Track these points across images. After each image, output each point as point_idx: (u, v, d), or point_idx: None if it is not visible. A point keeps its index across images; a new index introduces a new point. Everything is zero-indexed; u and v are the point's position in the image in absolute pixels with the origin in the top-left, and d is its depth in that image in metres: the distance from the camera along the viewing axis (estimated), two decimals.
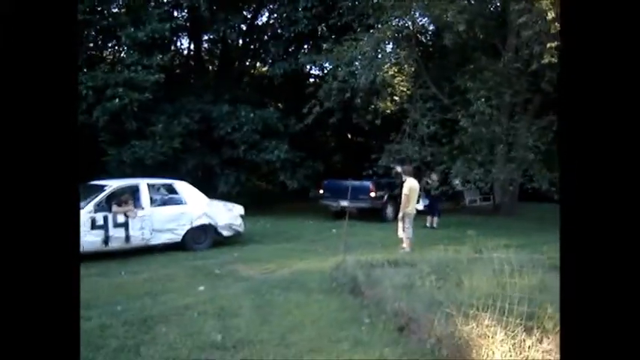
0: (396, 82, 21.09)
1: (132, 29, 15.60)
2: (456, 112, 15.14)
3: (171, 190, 11.07)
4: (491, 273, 5.39)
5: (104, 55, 19.38)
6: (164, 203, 10.73)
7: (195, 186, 11.36)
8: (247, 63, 21.88)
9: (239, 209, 11.36)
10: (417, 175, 15.26)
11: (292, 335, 5.05)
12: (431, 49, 19.63)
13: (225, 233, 10.96)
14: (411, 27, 16.78)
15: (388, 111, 21.36)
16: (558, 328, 4.22)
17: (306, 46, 19.20)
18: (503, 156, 14.27)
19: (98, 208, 9.46)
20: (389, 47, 17.10)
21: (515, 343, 4.27)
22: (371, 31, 15.91)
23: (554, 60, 12.19)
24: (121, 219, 9.63)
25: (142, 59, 15.44)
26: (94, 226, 9.25)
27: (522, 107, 16.31)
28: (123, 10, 17.86)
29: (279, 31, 17.95)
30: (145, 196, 10.11)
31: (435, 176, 14.58)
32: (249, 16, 20.10)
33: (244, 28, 20.22)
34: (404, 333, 4.96)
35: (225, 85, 18.65)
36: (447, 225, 14.08)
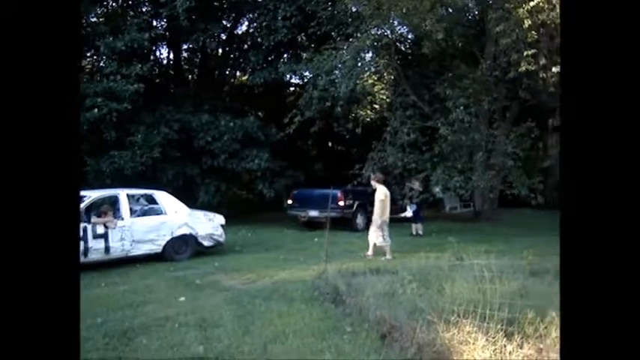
0: (375, 90, 21.22)
1: (111, 39, 15.52)
2: (435, 119, 15.25)
3: (151, 200, 11.00)
4: (472, 279, 5.44)
5: (83, 64, 19.24)
6: (144, 214, 10.65)
7: (175, 196, 11.29)
8: (227, 72, 21.86)
9: (220, 219, 11.31)
10: (401, 182, 15.36)
11: (274, 346, 5.02)
12: (410, 58, 19.77)
13: (206, 243, 10.90)
14: (389, 36, 16.88)
15: (368, 119, 21.49)
16: (539, 333, 4.26)
17: (286, 55, 19.25)
18: (482, 163, 14.39)
19: None
20: (368, 56, 17.22)
21: (496, 349, 4.30)
22: (350, 40, 16.01)
23: (531, 68, 12.38)
24: (100, 230, 9.54)
25: (120, 69, 15.35)
26: None
27: (501, 114, 16.49)
28: (102, 20, 17.78)
29: (258, 40, 17.96)
30: (124, 206, 10.03)
31: (417, 183, 14.63)
32: (228, 26, 20.11)
33: (224, 38, 20.24)
34: (386, 341, 4.96)
35: (205, 95, 18.60)
36: (428, 232, 14.16)
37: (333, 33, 16.46)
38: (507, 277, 5.34)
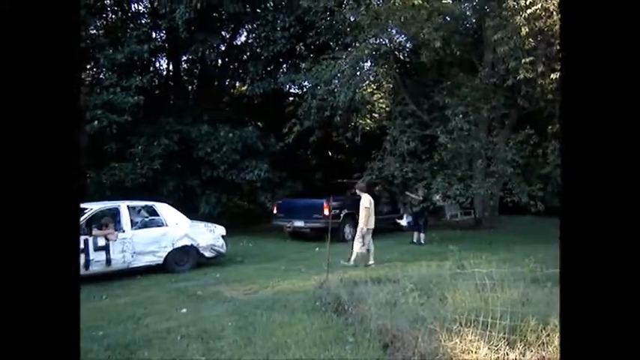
0: (374, 99, 21.29)
1: (110, 51, 15.58)
2: (434, 128, 15.28)
3: (151, 212, 11.00)
4: (474, 288, 5.43)
5: (82, 77, 19.30)
6: (145, 225, 10.65)
7: (176, 207, 11.31)
8: (226, 83, 21.90)
9: (220, 230, 11.31)
10: (404, 191, 15.32)
11: (276, 356, 5.02)
12: (408, 66, 19.84)
13: (207, 254, 10.90)
14: (388, 45, 16.95)
15: (368, 128, 21.55)
16: (541, 340, 4.26)
17: (284, 66, 19.30)
18: (482, 171, 14.41)
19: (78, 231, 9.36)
20: (367, 65, 17.27)
21: (498, 357, 4.30)
22: (349, 49, 16.08)
23: (529, 75, 12.42)
24: (101, 242, 9.54)
25: (120, 81, 15.40)
26: None
27: (500, 122, 16.52)
28: (101, 32, 17.86)
29: (257, 50, 18.01)
30: (125, 218, 10.04)
31: (420, 192, 14.62)
32: (227, 37, 20.19)
33: (223, 49, 20.29)
34: (388, 351, 4.95)
35: (204, 106, 18.64)
36: (429, 240, 14.14)
37: (331, 43, 16.54)
38: (509, 285, 5.34)
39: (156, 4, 17.72)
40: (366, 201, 10.63)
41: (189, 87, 22.82)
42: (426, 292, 6.20)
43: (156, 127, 16.64)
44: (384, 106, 21.91)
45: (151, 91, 18.50)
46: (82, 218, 9.51)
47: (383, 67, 16.76)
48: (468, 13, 17.22)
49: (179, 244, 10.47)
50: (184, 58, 20.96)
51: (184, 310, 7.12)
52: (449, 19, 15.96)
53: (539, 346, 4.27)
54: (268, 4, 17.78)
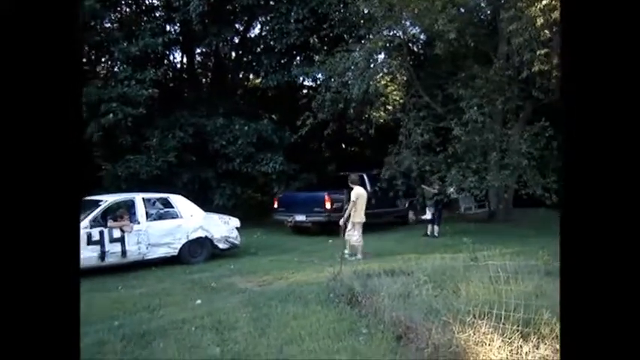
0: (388, 91, 21.21)
1: (125, 44, 15.68)
2: (449, 120, 15.19)
3: (166, 204, 11.08)
4: (487, 280, 5.42)
5: (97, 70, 19.44)
6: (160, 217, 10.73)
7: (190, 199, 11.38)
8: (240, 75, 21.95)
9: (235, 222, 11.36)
10: (421, 183, 15.27)
11: (290, 347, 5.04)
12: (422, 58, 19.73)
13: (222, 246, 10.96)
14: (402, 37, 16.85)
15: (382, 120, 21.47)
16: (555, 333, 4.25)
17: (298, 58, 19.29)
18: (496, 163, 14.31)
19: (94, 223, 9.46)
20: (381, 57, 17.17)
21: (512, 350, 4.29)
22: (362, 41, 16.03)
23: (544, 67, 12.30)
24: (117, 234, 9.63)
25: (135, 74, 15.49)
26: (90, 241, 9.24)
27: (514, 114, 16.41)
28: (116, 25, 17.97)
29: (271, 43, 18.01)
30: (140, 210, 10.12)
31: (436, 185, 14.57)
32: (241, 29, 20.21)
33: (237, 41, 20.33)
34: (402, 342, 4.96)
35: (218, 98, 18.70)
36: (443, 233, 14.12)
37: (345, 35, 16.48)
38: (523, 278, 5.31)
39: None
40: (355, 194, 10.64)
41: (204, 80, 22.90)
42: (439, 284, 6.20)
43: (170, 119, 16.73)
44: (397, 98, 21.82)
45: (166, 83, 18.61)
46: (97, 210, 9.61)
47: (397, 59, 16.68)
48: (482, 4, 17.06)
49: (193, 236, 10.54)
50: (198, 50, 21.06)
51: (199, 302, 7.17)
52: (463, 10, 15.82)
53: (553, 338, 4.25)
54: None
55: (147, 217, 10.23)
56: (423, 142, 15.27)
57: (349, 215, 10.60)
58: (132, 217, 10.09)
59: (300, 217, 14.75)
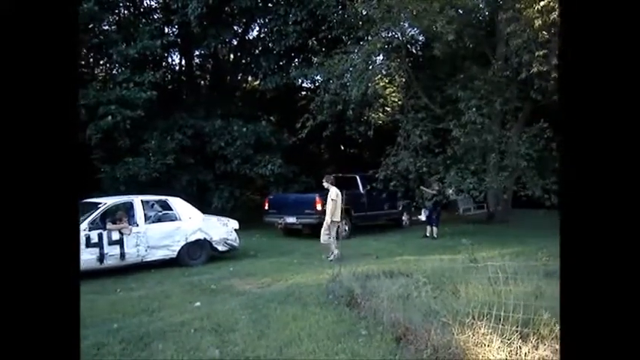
0: (387, 93, 21.23)
1: (123, 46, 15.68)
2: (447, 121, 15.21)
3: (165, 206, 11.06)
4: (487, 281, 5.43)
5: (95, 72, 19.44)
6: (159, 220, 10.71)
7: (189, 201, 11.36)
8: (239, 77, 21.95)
9: (233, 224, 11.35)
10: (419, 184, 15.27)
11: (290, 349, 5.04)
12: (421, 60, 19.73)
13: (221, 248, 10.95)
14: (400, 38, 16.86)
15: (380, 122, 21.47)
16: (554, 334, 4.25)
17: (297, 60, 19.32)
18: (495, 164, 14.34)
19: (93, 225, 9.43)
20: (379, 59, 17.21)
21: (511, 351, 4.29)
22: (361, 43, 16.04)
23: (543, 68, 12.31)
24: (115, 236, 9.61)
25: (133, 76, 15.50)
26: (88, 244, 9.21)
27: (513, 115, 16.41)
28: (114, 28, 17.95)
29: (269, 45, 18.04)
30: (139, 212, 10.10)
31: (435, 186, 14.57)
32: (239, 31, 20.23)
33: (235, 43, 20.36)
34: (401, 344, 4.96)
35: (217, 100, 18.72)
36: (442, 234, 14.13)
37: (343, 37, 16.48)
38: (522, 279, 5.31)
39: None
40: (333, 194, 10.70)
41: (202, 82, 22.90)
42: (438, 285, 6.20)
43: (169, 122, 16.74)
44: (396, 99, 21.84)
45: (164, 86, 18.59)
46: (96, 212, 9.60)
47: (395, 60, 16.71)
48: (480, 5, 17.05)
49: (192, 238, 10.52)
50: (197, 53, 21.04)
51: (198, 304, 7.16)
52: (461, 11, 15.84)
53: (552, 339, 4.26)
54: None
55: (145, 220, 10.21)
56: (422, 143, 15.31)
57: (331, 215, 10.67)
58: (131, 219, 10.07)
59: (291, 219, 14.45)
